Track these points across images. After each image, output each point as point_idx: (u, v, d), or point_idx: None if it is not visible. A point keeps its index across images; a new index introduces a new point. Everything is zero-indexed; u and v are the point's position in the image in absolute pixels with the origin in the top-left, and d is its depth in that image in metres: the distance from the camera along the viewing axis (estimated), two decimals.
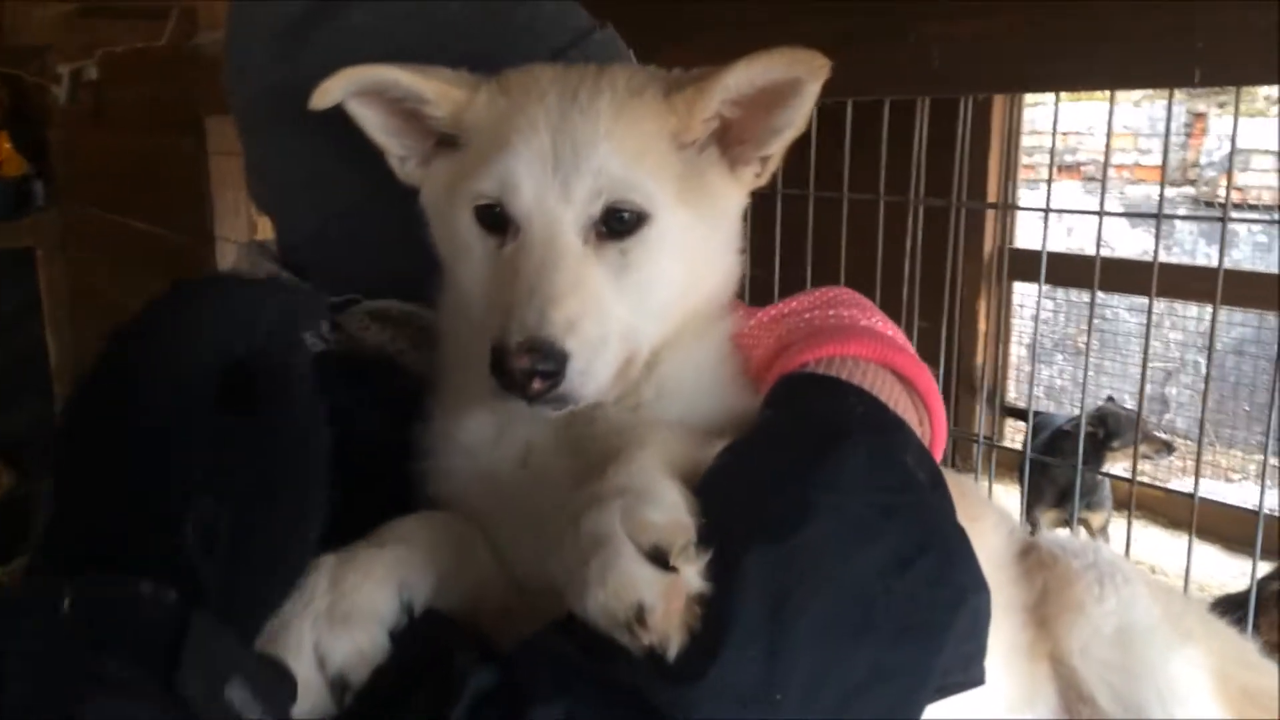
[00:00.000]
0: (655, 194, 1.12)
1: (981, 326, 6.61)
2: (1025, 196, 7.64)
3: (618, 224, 1.11)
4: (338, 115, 1.22)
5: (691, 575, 0.84)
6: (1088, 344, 2.29)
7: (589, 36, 1.37)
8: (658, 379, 1.16)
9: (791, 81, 1.14)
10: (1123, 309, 6.47)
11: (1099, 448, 4.81)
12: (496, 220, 1.11)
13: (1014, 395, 7.40)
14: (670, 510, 0.88)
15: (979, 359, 6.66)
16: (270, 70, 1.35)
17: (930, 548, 0.95)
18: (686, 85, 1.15)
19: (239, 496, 0.80)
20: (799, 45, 1.10)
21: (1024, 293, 7.04)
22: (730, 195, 1.23)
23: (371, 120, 1.18)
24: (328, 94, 1.13)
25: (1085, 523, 5.14)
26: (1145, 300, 6.20)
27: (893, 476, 0.98)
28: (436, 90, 1.14)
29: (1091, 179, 7.70)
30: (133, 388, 0.84)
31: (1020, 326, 7.20)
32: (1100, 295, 6.70)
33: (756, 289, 2.46)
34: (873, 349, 1.16)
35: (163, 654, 0.62)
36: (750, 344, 1.25)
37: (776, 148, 1.23)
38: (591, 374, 1.05)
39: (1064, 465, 4.41)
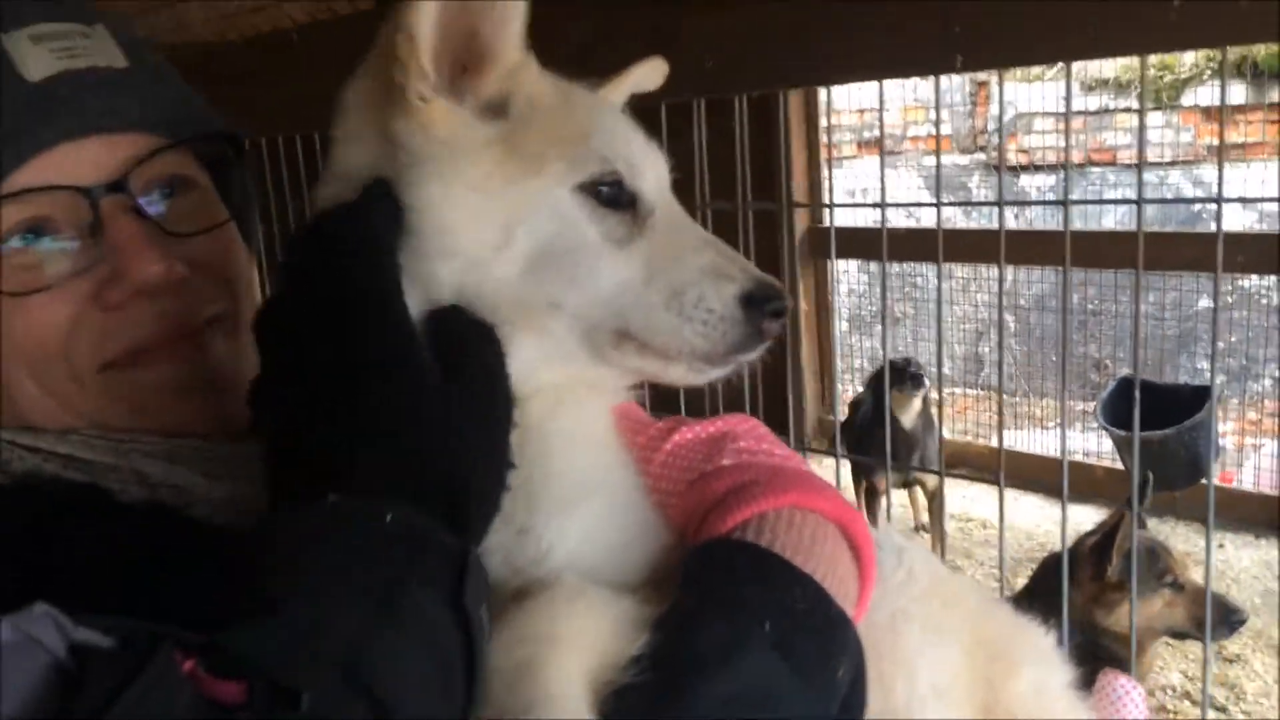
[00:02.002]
0: None
1: (803, 306, 6.77)
2: (832, 176, 7.86)
3: None
4: None
5: None
6: (883, 313, 2.29)
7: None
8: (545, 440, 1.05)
9: None
10: (931, 275, 6.71)
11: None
12: (606, 199, 1.01)
13: (841, 367, 7.64)
14: None
15: (803, 338, 6.82)
16: None
17: None
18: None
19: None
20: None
21: (840, 268, 7.24)
22: None
23: (434, 20, 0.94)
24: None
25: (920, 483, 5.35)
26: (954, 268, 6.46)
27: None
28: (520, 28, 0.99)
29: (890, 153, 7.96)
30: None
31: (839, 302, 7.40)
32: (910, 265, 6.95)
33: None
34: (830, 504, 1.07)
35: (454, 573, 0.80)
36: (659, 479, 1.14)
37: None
38: None
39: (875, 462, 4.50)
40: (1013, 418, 6.31)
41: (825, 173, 5.57)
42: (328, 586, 0.75)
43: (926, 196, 7.38)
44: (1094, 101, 7.43)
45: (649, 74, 1.23)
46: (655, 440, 1.16)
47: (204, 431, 1.11)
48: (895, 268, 6.99)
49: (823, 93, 6.38)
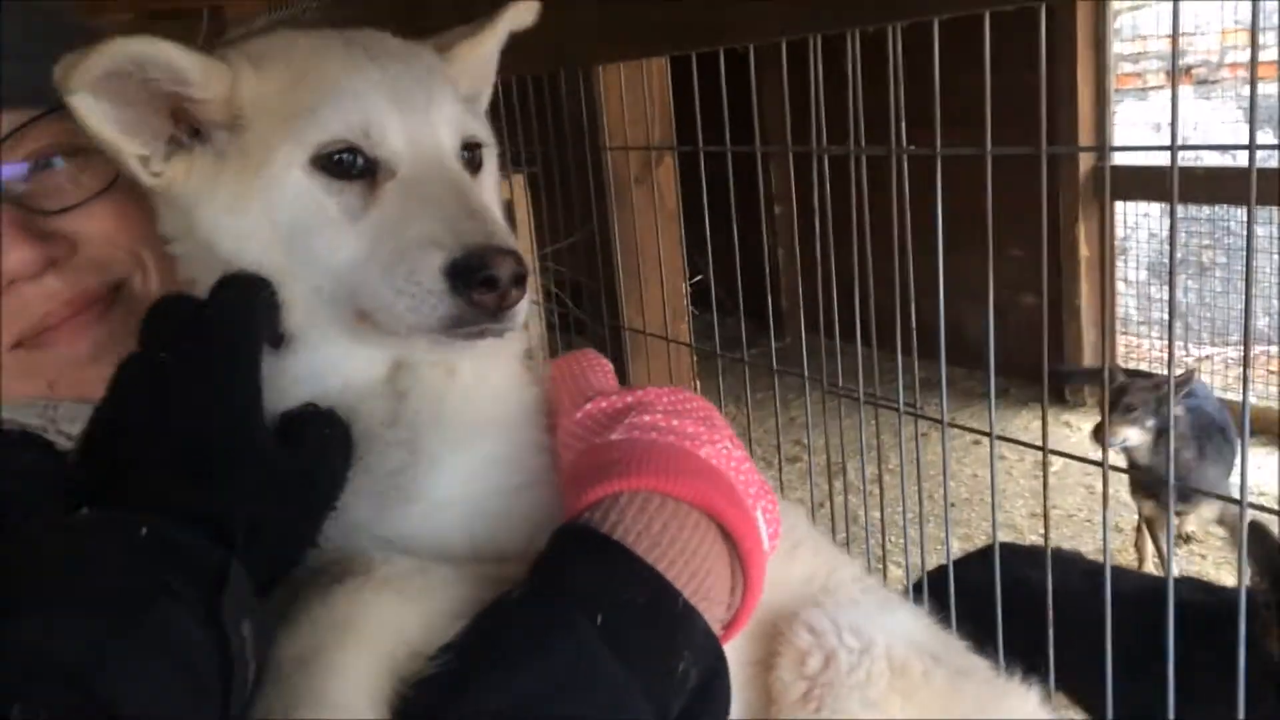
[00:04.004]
0: (483, 130, 1.12)
1: (1084, 252, 6.24)
2: (1132, 107, 7.18)
3: (469, 159, 1.08)
4: None
5: None
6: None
7: None
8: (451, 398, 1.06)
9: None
10: (1245, 218, 6.02)
11: None
12: (344, 169, 1.00)
13: (1138, 318, 7.03)
14: None
15: (1081, 286, 6.29)
16: None
17: None
18: (459, 40, 1.16)
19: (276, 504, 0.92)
20: None
21: (1141, 210, 6.63)
22: None
23: (105, 114, 0.96)
24: (89, 72, 0.91)
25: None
26: (1274, 211, 5.76)
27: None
28: (206, 68, 0.98)
29: (1204, 82, 7.18)
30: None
31: (1135, 249, 6.79)
32: (1222, 209, 6.27)
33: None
34: (694, 489, 0.97)
35: (209, 587, 0.77)
36: (561, 447, 1.08)
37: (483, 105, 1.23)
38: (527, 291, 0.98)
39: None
40: None
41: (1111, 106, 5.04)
42: (61, 597, 0.73)
43: (1245, 131, 6.60)
44: None
45: (522, 13, 1.20)
46: (571, 409, 1.10)
47: None
48: (1204, 210, 6.31)
49: (1127, 15, 5.80)
